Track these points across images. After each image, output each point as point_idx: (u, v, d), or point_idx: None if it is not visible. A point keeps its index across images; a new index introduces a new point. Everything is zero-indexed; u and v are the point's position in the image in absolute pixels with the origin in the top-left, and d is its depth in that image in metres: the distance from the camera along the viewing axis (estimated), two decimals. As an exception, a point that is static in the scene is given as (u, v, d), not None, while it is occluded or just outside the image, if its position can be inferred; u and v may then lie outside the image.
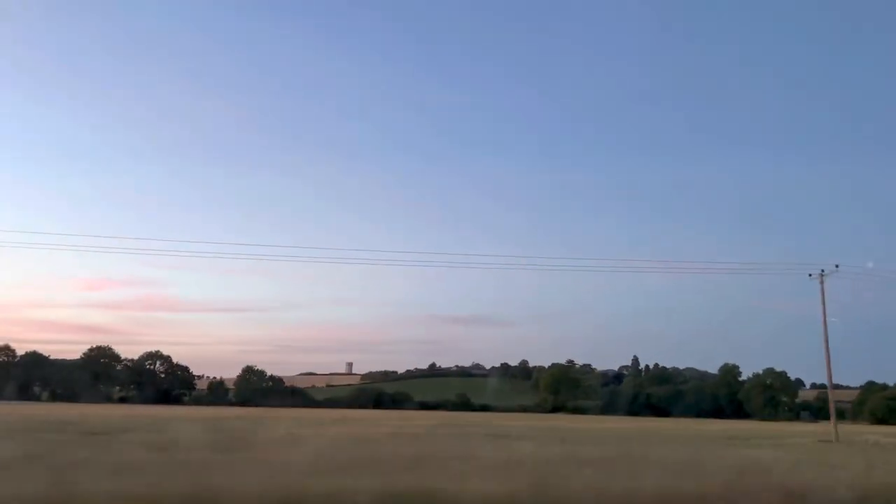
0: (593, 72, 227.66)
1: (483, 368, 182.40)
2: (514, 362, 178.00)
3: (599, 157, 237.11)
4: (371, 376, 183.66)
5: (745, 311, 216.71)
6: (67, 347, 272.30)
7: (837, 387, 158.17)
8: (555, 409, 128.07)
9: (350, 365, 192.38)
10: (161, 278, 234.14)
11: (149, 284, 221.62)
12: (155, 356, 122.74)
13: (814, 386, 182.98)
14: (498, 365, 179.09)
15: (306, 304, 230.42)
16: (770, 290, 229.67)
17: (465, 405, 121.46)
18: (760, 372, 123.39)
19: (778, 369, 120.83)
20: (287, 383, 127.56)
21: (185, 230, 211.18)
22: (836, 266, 44.45)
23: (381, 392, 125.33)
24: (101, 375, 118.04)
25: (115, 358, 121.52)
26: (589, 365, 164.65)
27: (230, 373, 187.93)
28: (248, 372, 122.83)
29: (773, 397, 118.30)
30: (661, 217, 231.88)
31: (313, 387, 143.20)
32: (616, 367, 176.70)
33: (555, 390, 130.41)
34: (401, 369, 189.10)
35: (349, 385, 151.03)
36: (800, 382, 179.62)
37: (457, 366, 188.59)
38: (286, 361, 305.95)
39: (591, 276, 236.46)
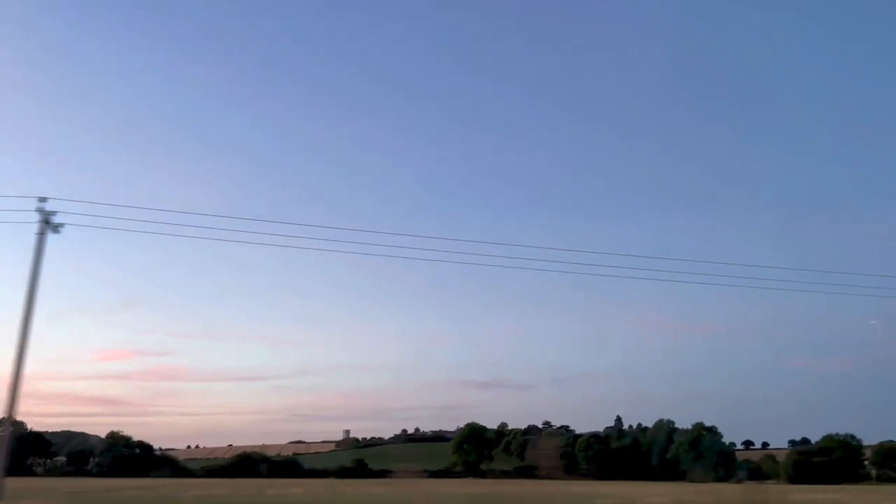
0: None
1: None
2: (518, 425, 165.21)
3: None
4: (345, 443, 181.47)
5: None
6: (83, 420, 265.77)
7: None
8: (469, 472, 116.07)
9: (347, 432, 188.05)
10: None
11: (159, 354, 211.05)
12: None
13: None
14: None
15: (320, 370, 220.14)
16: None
17: (357, 471, 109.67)
18: (689, 427, 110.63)
19: (708, 424, 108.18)
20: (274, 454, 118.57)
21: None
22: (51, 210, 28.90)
23: (264, 459, 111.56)
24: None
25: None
26: (520, 428, 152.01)
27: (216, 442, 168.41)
28: (114, 437, 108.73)
29: (702, 454, 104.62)
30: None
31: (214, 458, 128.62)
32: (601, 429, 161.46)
33: (465, 452, 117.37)
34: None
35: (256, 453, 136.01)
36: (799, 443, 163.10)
37: (434, 431, 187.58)
38: (284, 431, 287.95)
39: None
